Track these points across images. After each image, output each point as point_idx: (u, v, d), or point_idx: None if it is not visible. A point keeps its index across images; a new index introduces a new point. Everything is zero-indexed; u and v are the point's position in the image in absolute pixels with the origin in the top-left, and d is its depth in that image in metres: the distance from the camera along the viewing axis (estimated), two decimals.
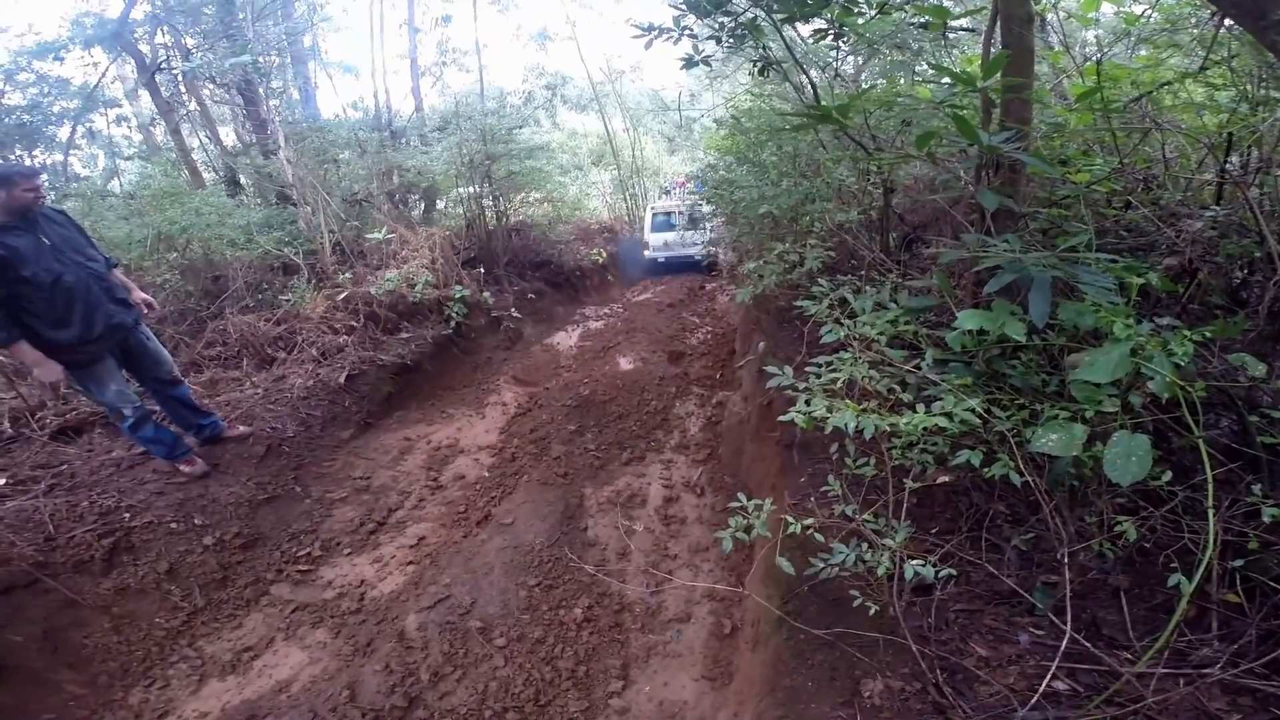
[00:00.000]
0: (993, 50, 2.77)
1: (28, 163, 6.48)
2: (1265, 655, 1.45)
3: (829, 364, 1.72)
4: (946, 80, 2.28)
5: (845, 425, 1.49)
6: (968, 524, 2.11)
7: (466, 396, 5.17)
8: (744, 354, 5.05)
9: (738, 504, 1.75)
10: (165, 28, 6.23)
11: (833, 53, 3.77)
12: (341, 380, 4.36)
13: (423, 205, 8.33)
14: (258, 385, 4.14)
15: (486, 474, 4.02)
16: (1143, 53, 3.38)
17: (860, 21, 3.31)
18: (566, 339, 7.11)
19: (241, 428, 3.76)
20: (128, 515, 3.07)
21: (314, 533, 3.43)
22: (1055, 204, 2.84)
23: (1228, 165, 2.76)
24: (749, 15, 3.54)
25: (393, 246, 5.60)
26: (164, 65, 6.21)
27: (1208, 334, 1.98)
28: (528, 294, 7.75)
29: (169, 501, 3.22)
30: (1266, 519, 1.53)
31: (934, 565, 1.44)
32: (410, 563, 3.27)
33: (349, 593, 3.05)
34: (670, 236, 10.17)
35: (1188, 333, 1.67)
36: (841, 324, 1.79)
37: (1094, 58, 3.35)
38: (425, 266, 5.42)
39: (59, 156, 6.71)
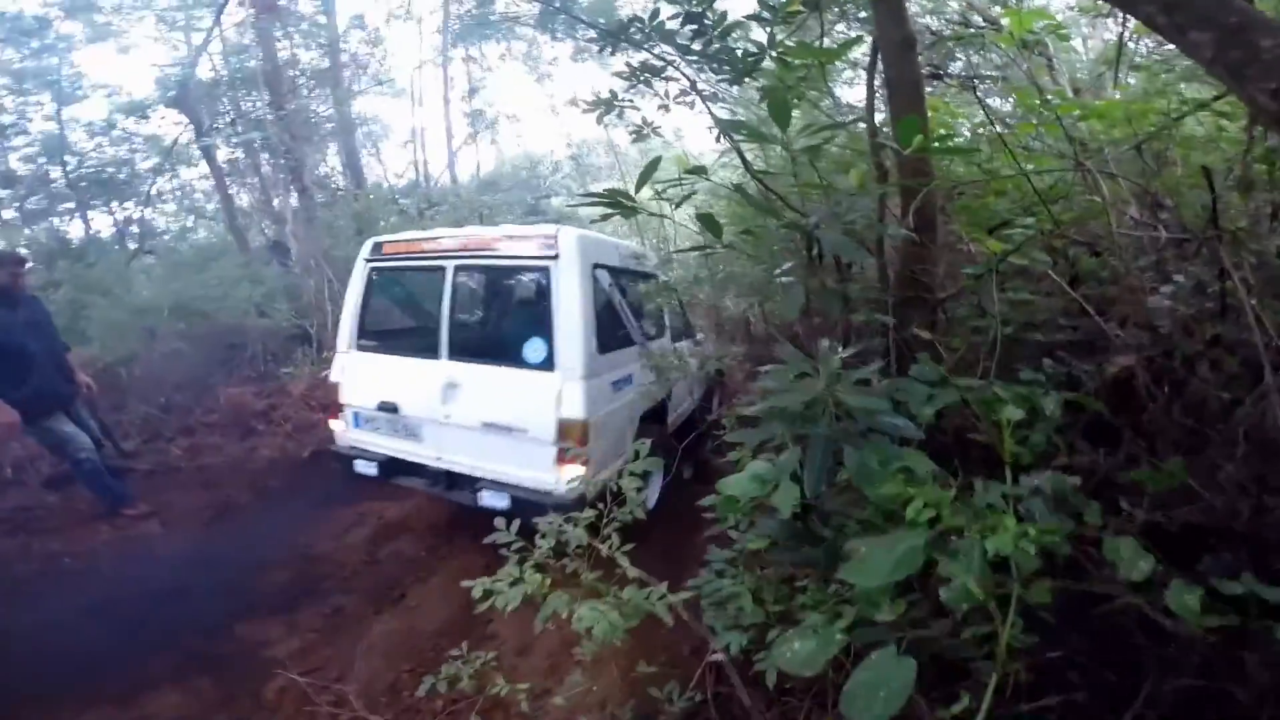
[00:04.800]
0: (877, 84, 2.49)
1: (110, 216, 7.62)
2: None
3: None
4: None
5: (505, 604, 1.35)
6: None
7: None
8: None
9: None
10: (224, 92, 7.01)
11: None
12: (305, 455, 4.56)
13: None
14: (230, 455, 4.42)
15: (424, 554, 4.02)
16: (1131, 81, 2.91)
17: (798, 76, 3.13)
18: None
19: (143, 506, 3.97)
20: (69, 560, 3.32)
21: (239, 591, 3.53)
22: (970, 286, 2.39)
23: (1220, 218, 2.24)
24: (688, 80, 3.50)
25: None
26: (212, 130, 6.98)
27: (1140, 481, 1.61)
28: None
29: (113, 552, 3.47)
30: None
31: None
32: (315, 630, 3.29)
33: (247, 649, 3.10)
34: (433, 378, 3.24)
35: (1009, 523, 1.32)
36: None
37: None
38: None
39: (144, 209, 7.77)
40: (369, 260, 3.60)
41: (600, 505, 1.82)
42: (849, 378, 1.61)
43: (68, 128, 7.56)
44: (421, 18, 8.80)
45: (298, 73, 6.91)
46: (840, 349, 1.90)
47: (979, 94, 3.21)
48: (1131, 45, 2.74)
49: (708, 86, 3.64)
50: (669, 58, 3.38)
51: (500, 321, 4.14)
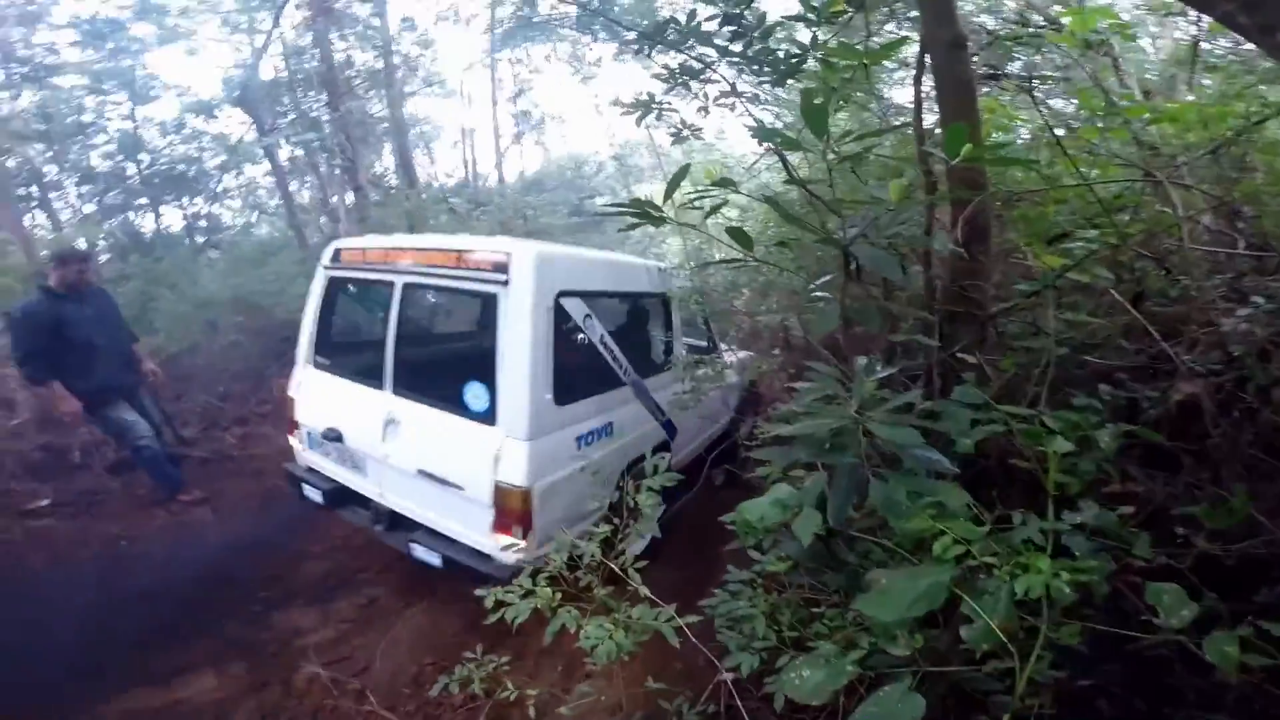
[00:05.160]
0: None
1: (180, 211, 8.09)
2: None
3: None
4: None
5: (516, 616, 1.34)
6: None
7: None
8: None
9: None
10: (284, 93, 7.32)
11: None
12: None
13: None
14: (279, 445, 4.58)
15: None
16: (1206, 83, 2.67)
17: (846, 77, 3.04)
18: None
19: (197, 493, 4.16)
20: (125, 543, 3.52)
21: (281, 580, 3.67)
22: (1021, 303, 2.24)
23: None
24: (729, 83, 3.44)
25: None
26: (273, 129, 7.30)
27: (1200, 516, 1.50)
28: None
29: (166, 537, 3.66)
30: None
31: None
32: (348, 620, 3.38)
33: (282, 637, 3.22)
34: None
35: (1041, 564, 1.24)
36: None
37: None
38: None
39: (212, 205, 8.25)
40: (328, 268, 3.25)
41: (615, 520, 1.79)
42: (884, 402, 1.53)
43: (142, 126, 8.11)
44: (469, 19, 9.03)
45: (353, 74, 7.16)
46: (879, 366, 1.82)
47: (1040, 95, 3.04)
48: (1206, 45, 2.52)
49: (750, 88, 3.56)
50: (709, 59, 3.33)
51: (446, 355, 3.64)
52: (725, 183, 1.61)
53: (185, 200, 8.22)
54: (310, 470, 3.34)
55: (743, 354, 4.51)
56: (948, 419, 1.67)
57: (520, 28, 8.68)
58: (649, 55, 3.49)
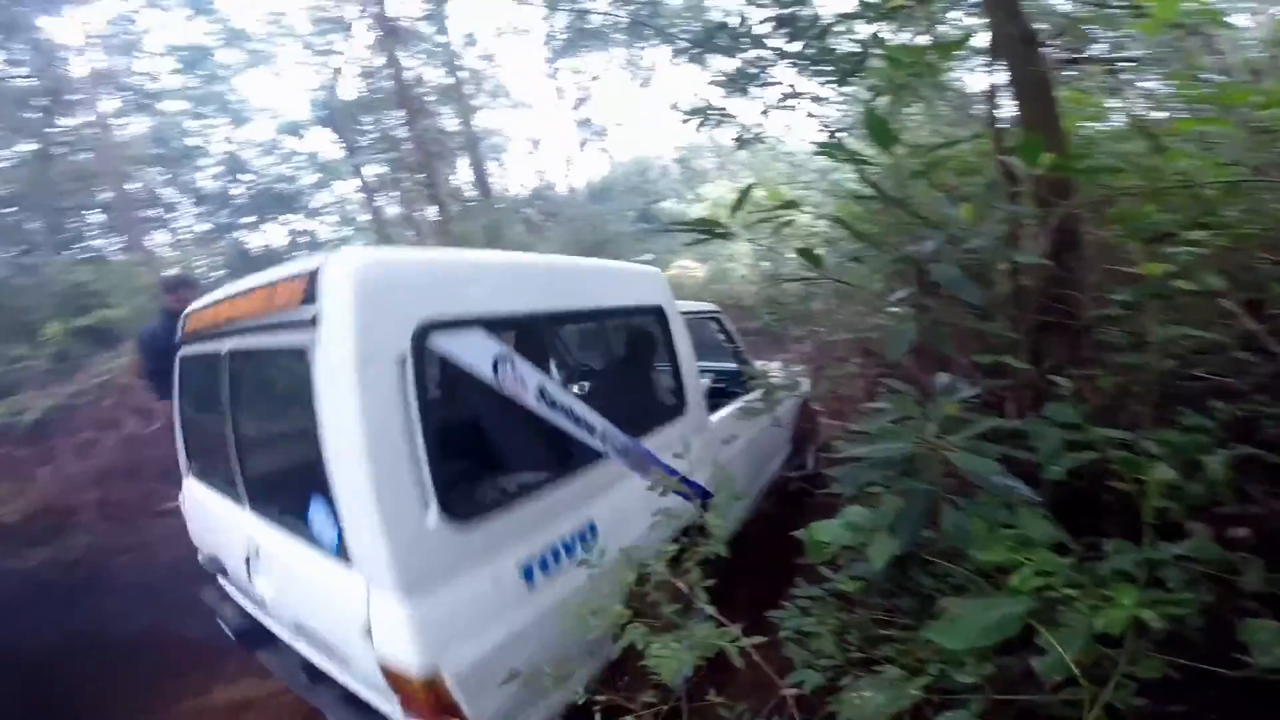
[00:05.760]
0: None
1: (283, 228, 8.75)
2: None
3: None
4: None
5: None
6: None
7: None
8: None
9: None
10: (364, 111, 7.77)
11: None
12: None
13: None
14: None
15: None
16: None
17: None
18: None
19: None
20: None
21: None
22: (1120, 313, 2.04)
23: None
24: (789, 86, 3.36)
25: None
26: (357, 148, 7.76)
27: None
28: None
29: None
30: None
31: None
32: None
33: None
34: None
35: (1126, 599, 1.17)
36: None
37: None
38: None
39: (310, 223, 8.94)
40: (181, 344, 2.46)
41: (683, 539, 1.81)
42: (965, 424, 1.48)
43: (241, 148, 8.83)
44: (526, 32, 9.25)
45: (425, 90, 7.52)
46: (961, 386, 1.75)
47: (1131, 79, 2.79)
48: None
49: (812, 88, 3.47)
50: (766, 62, 3.27)
51: (295, 453, 2.09)
52: (790, 205, 1.60)
53: (285, 217, 8.93)
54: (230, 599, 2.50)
55: (773, 365, 3.82)
56: (1037, 440, 1.59)
57: (576, 38, 8.80)
58: (702, 62, 3.46)
